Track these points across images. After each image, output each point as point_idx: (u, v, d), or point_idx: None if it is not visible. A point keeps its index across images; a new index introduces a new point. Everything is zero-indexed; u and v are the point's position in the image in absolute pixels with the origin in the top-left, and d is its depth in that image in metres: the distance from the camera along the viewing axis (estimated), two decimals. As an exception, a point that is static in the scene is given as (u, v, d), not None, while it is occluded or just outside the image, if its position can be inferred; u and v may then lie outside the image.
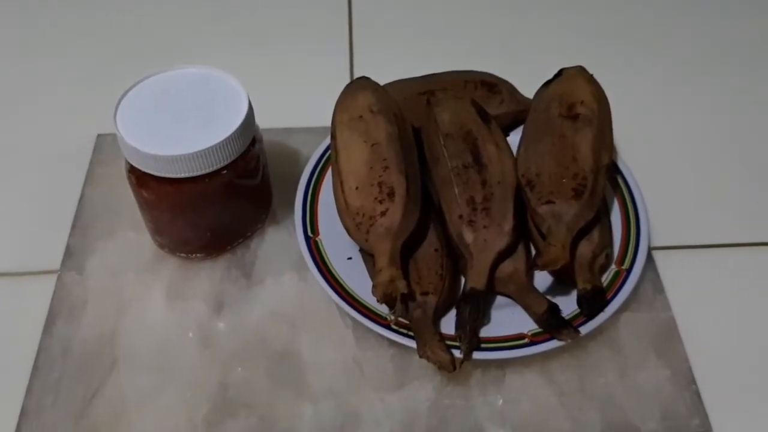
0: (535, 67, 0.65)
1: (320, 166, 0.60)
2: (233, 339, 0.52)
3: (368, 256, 0.52)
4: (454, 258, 0.53)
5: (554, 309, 0.49)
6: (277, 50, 0.75)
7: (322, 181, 0.59)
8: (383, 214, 0.49)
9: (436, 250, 0.52)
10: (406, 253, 0.51)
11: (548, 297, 0.51)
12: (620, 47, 0.75)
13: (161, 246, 0.56)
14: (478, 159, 0.53)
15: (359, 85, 0.56)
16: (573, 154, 0.51)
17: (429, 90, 0.60)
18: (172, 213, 0.52)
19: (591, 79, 0.56)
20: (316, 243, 0.55)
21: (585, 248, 0.51)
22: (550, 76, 0.59)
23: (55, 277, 0.56)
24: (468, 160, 0.52)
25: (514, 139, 0.60)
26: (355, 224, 0.50)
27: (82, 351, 0.52)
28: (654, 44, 0.76)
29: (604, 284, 0.52)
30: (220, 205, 0.52)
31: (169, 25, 0.78)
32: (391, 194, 0.50)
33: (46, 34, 0.76)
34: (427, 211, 0.53)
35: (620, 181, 0.58)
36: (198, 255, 0.56)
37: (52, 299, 0.54)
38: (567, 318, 0.50)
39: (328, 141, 0.60)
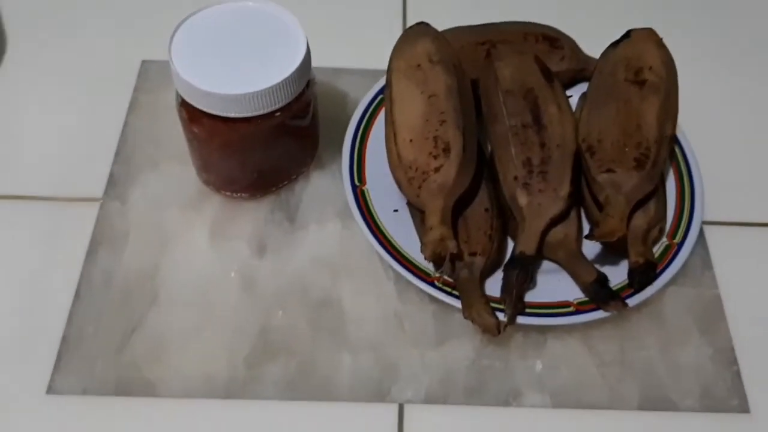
0: (599, 25, 0.62)
1: (370, 111, 0.58)
2: (275, 283, 0.52)
3: (417, 211, 0.51)
4: (504, 219, 0.52)
5: (603, 279, 0.48)
6: None
7: (371, 128, 0.57)
8: (437, 170, 0.48)
9: (486, 209, 0.51)
10: (457, 210, 0.50)
11: (596, 266, 0.50)
12: (688, 9, 0.72)
13: (207, 183, 0.55)
14: (538, 119, 0.51)
15: (419, 31, 0.54)
16: (637, 122, 0.50)
17: (488, 40, 0.58)
18: (222, 151, 0.51)
19: (660, 44, 0.54)
20: (362, 192, 0.54)
21: (640, 220, 0.50)
22: (615, 35, 0.56)
23: (97, 205, 0.55)
24: (527, 120, 0.51)
25: (572, 99, 0.58)
26: (407, 178, 0.49)
27: (123, 283, 0.52)
28: (725, 10, 0.72)
29: (655, 257, 0.51)
30: (269, 146, 0.51)
31: None
32: (446, 150, 0.48)
33: None
34: (480, 168, 0.52)
35: (677, 151, 0.56)
36: (243, 194, 0.55)
37: (95, 228, 0.54)
38: (614, 289, 0.49)
39: (378, 86, 0.59)
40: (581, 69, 0.59)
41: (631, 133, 0.49)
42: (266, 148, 0.51)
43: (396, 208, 0.53)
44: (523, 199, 0.49)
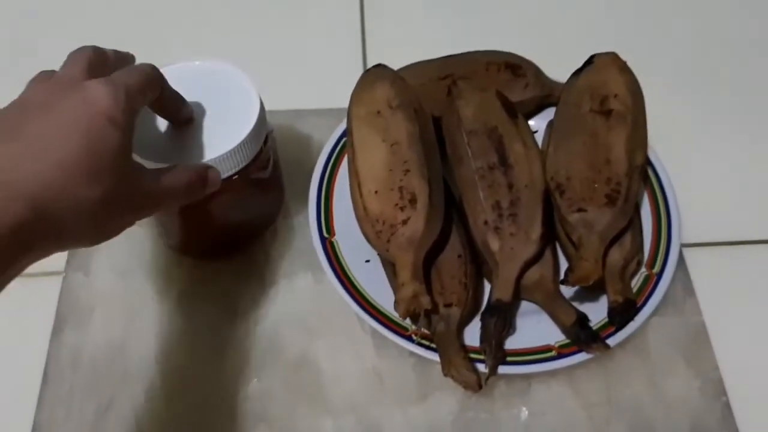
0: (561, 47, 0.61)
1: (334, 157, 0.56)
2: (248, 346, 0.51)
3: (388, 262, 0.49)
4: (478, 263, 0.50)
5: (583, 320, 0.47)
6: (284, 26, 0.69)
7: (336, 174, 0.56)
8: (405, 222, 0.47)
9: (459, 256, 0.50)
10: (428, 260, 0.49)
11: (574, 302, 0.49)
12: (652, 27, 0.70)
13: (171, 247, 0.53)
14: (504, 159, 0.49)
15: (376, 75, 0.52)
16: (606, 156, 0.48)
17: (449, 74, 0.56)
18: (183, 218, 0.49)
19: (624, 68, 0.52)
20: (332, 244, 0.52)
21: (616, 255, 0.49)
22: (577, 56, 0.55)
23: (60, 278, 0.53)
24: (493, 161, 0.49)
25: (539, 123, 0.57)
26: (375, 232, 0.47)
27: (92, 360, 0.50)
28: (690, 27, 0.70)
29: (634, 289, 0.50)
30: (231, 208, 0.49)
31: (174, 4, 0.71)
32: (413, 201, 0.47)
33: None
34: (449, 213, 0.51)
35: (651, 173, 0.55)
36: (210, 257, 0.53)
37: (59, 303, 0.52)
38: (595, 327, 0.48)
39: (340, 129, 0.57)
40: (547, 95, 0.58)
41: (599, 168, 0.48)
42: (228, 210, 0.50)
43: (368, 259, 0.52)
44: (494, 245, 0.48)
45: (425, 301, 0.45)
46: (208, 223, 0.50)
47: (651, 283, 0.50)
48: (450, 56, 0.59)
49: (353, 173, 0.49)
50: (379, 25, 0.68)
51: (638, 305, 0.49)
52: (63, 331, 0.51)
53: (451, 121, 0.52)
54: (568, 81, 0.53)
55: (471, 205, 0.49)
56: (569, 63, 0.55)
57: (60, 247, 0.35)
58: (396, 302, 0.45)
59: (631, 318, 0.48)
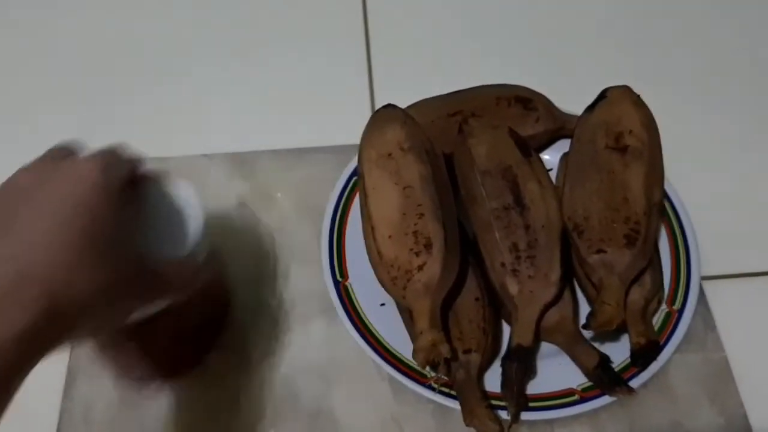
0: (571, 79, 0.60)
1: (344, 198, 0.56)
2: (264, 396, 0.50)
3: (405, 309, 0.48)
4: (496, 305, 0.50)
5: (606, 363, 0.46)
6: (288, 62, 0.68)
7: (348, 214, 0.55)
8: (420, 268, 0.46)
9: (476, 299, 0.49)
10: (446, 304, 0.48)
11: (595, 342, 0.48)
12: (661, 55, 0.68)
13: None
14: (519, 199, 0.49)
15: (386, 116, 0.51)
16: (624, 194, 0.47)
17: (459, 110, 0.56)
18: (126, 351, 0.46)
19: (638, 102, 0.51)
20: (345, 288, 0.51)
21: (636, 295, 0.48)
22: (588, 88, 0.54)
23: None
24: (508, 201, 0.49)
25: (552, 156, 0.56)
26: (390, 278, 0.46)
27: (105, 414, 0.49)
28: (701, 56, 0.68)
29: (655, 327, 0.49)
30: (177, 333, 0.46)
31: (181, 36, 0.70)
32: (428, 246, 0.46)
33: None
34: (464, 254, 0.50)
35: (667, 206, 0.54)
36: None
37: (70, 356, 0.51)
38: (617, 368, 0.47)
39: (350, 168, 0.56)
40: (559, 128, 0.57)
41: (617, 207, 0.47)
42: (176, 335, 0.47)
43: (383, 302, 0.51)
44: (513, 288, 0.47)
45: (445, 350, 0.44)
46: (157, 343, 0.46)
47: (672, 320, 0.49)
48: (458, 92, 0.58)
49: (366, 217, 0.49)
50: (385, 60, 0.67)
51: (661, 343, 0.48)
52: (75, 385, 0.50)
53: (464, 160, 0.51)
54: (581, 117, 0.53)
55: (487, 247, 0.48)
56: (580, 94, 0.54)
57: (69, 339, 0.34)
58: (414, 351, 0.44)
59: (653, 359, 0.47)
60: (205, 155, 0.60)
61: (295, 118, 0.63)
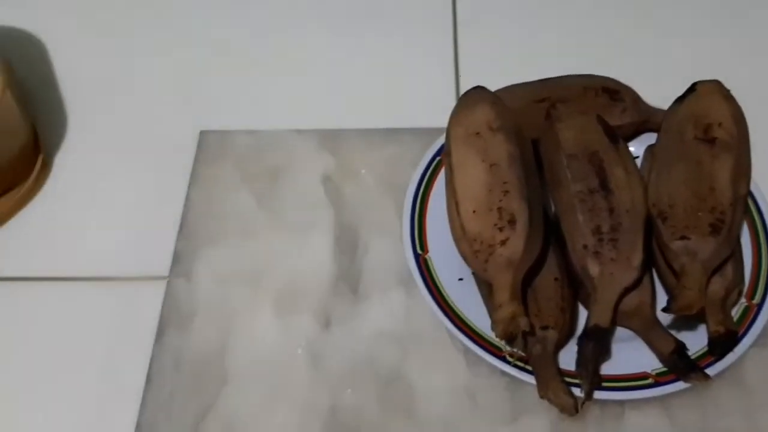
0: (660, 72, 0.60)
1: (428, 176, 0.57)
2: (342, 358, 0.52)
3: (484, 282, 0.50)
4: (575, 286, 0.50)
5: (682, 349, 0.47)
6: (377, 46, 0.70)
7: (430, 192, 0.56)
8: (503, 243, 0.47)
9: (556, 279, 0.50)
10: (525, 282, 0.49)
11: (671, 330, 0.48)
12: (751, 53, 0.68)
13: None
14: (604, 183, 0.49)
15: (476, 96, 0.53)
16: (710, 184, 0.48)
17: (546, 97, 0.57)
18: None
19: (728, 96, 0.52)
20: (425, 261, 0.53)
21: (717, 285, 0.48)
22: (676, 82, 0.54)
23: (164, 283, 0.55)
24: (594, 185, 0.49)
25: (637, 149, 0.57)
26: (472, 251, 0.48)
27: (193, 365, 0.52)
28: None
29: (734, 319, 0.49)
30: None
31: (276, 15, 0.73)
32: (512, 222, 0.47)
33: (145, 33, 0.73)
34: (546, 235, 0.51)
35: (750, 202, 0.54)
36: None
37: (162, 307, 0.54)
38: (693, 357, 0.48)
39: (434, 148, 0.58)
40: (644, 121, 0.57)
41: (704, 197, 0.47)
42: None
43: (461, 277, 0.52)
44: (594, 269, 0.48)
45: (523, 323, 0.45)
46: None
47: (751, 313, 0.50)
48: (546, 79, 0.59)
49: (451, 192, 0.50)
50: (472, 46, 0.69)
51: (738, 336, 0.48)
52: (165, 335, 0.53)
53: (551, 144, 0.52)
54: (670, 108, 0.53)
55: (570, 229, 0.49)
56: (668, 89, 0.55)
57: None
58: (493, 323, 0.46)
59: (731, 349, 0.47)
60: (295, 130, 0.63)
61: (382, 99, 0.65)
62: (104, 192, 0.61)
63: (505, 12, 0.72)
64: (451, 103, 0.62)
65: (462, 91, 0.64)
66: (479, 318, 0.50)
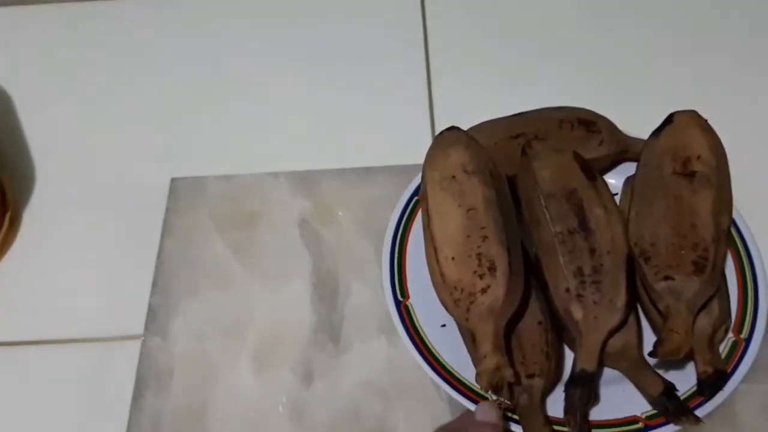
0: (635, 100, 0.60)
1: (405, 219, 0.56)
2: (325, 413, 0.50)
3: (466, 330, 0.49)
4: (559, 329, 0.49)
5: (671, 391, 0.46)
6: (350, 86, 0.69)
7: (408, 234, 0.55)
8: (484, 291, 0.46)
9: (539, 322, 0.49)
10: (508, 328, 0.48)
11: (659, 369, 0.48)
12: (728, 80, 0.67)
13: None
14: (584, 223, 0.48)
15: (450, 138, 0.52)
16: (691, 220, 0.47)
17: (521, 132, 0.56)
18: None
19: (706, 127, 0.51)
20: (406, 308, 0.52)
21: (704, 322, 0.47)
22: (653, 110, 0.53)
23: (139, 342, 0.54)
24: (573, 225, 0.48)
25: (616, 180, 0.56)
26: (453, 300, 0.47)
27: (172, 426, 0.50)
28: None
29: (722, 356, 0.48)
30: None
31: (246, 56, 0.72)
32: (492, 268, 0.46)
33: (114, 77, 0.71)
34: (527, 279, 0.50)
35: (734, 232, 0.53)
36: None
37: (138, 367, 0.53)
38: (683, 397, 0.47)
39: (411, 188, 0.57)
40: (622, 151, 0.56)
41: (685, 234, 0.47)
42: None
43: (444, 323, 0.51)
44: (578, 313, 0.47)
45: (508, 374, 0.44)
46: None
47: (739, 349, 0.49)
48: (520, 114, 0.58)
49: (429, 239, 0.49)
50: (446, 82, 0.68)
51: (727, 373, 0.47)
52: (143, 396, 0.51)
53: (528, 183, 0.51)
54: (647, 141, 0.52)
55: (551, 272, 0.48)
56: (644, 117, 0.54)
57: None
58: (478, 375, 0.44)
59: (720, 388, 0.46)
60: (269, 173, 0.62)
61: (357, 139, 0.64)
62: (75, 248, 0.60)
63: (477, 46, 0.71)
64: (427, 139, 0.62)
65: (437, 126, 0.64)
66: (463, 366, 0.49)
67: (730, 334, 0.49)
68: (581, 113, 0.57)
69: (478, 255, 0.47)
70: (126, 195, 0.62)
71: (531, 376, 0.47)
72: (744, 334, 0.49)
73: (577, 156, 0.52)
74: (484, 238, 0.47)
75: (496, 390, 0.46)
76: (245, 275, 0.57)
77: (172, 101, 0.68)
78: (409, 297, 0.52)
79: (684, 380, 0.48)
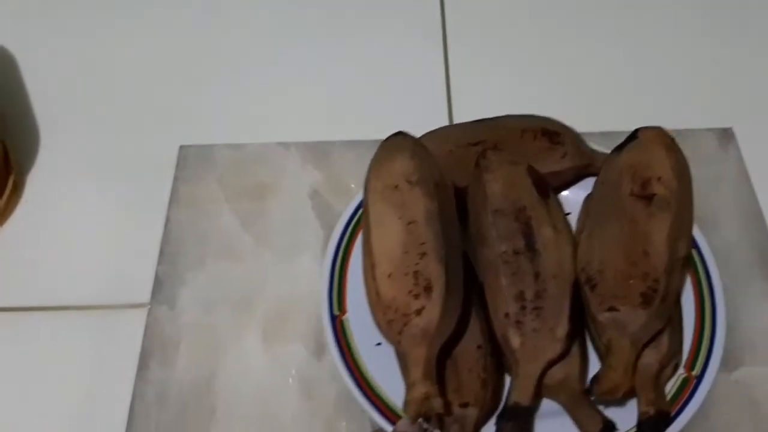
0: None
1: (351, 227, 0.53)
2: (335, 386, 0.49)
3: (400, 353, 0.46)
4: (499, 355, 0.46)
5: (610, 429, 0.43)
6: (364, 56, 0.67)
7: (354, 243, 0.52)
8: (419, 312, 0.43)
9: (479, 346, 0.46)
10: (444, 351, 0.45)
11: (602, 404, 0.45)
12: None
13: None
14: (531, 244, 0.45)
15: (396, 145, 0.49)
16: (644, 247, 0.44)
17: (481, 140, 0.53)
18: None
19: (671, 146, 0.48)
20: (342, 323, 0.49)
21: (651, 358, 0.44)
22: (624, 124, 0.50)
23: (145, 311, 0.52)
24: (519, 245, 0.45)
25: (576, 197, 0.52)
26: (386, 320, 0.44)
27: (178, 398, 0.49)
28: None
29: (670, 393, 0.45)
30: None
31: (259, 25, 0.70)
32: (428, 288, 0.43)
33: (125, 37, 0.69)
34: (469, 297, 0.47)
35: (696, 256, 0.50)
36: None
37: (144, 337, 0.51)
38: (624, 437, 0.44)
39: (359, 197, 0.54)
40: (586, 165, 0.53)
41: (636, 261, 0.43)
42: None
43: (379, 341, 0.48)
44: (515, 341, 0.44)
45: (437, 405, 0.41)
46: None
47: (689, 386, 0.46)
48: (482, 120, 0.55)
49: (367, 253, 0.46)
50: (462, 51, 0.66)
51: (674, 413, 0.44)
52: (149, 367, 0.50)
53: (478, 196, 0.48)
54: (608, 157, 0.49)
55: (492, 294, 0.45)
56: (616, 130, 0.52)
57: None
58: (405, 403, 0.42)
59: (663, 430, 0.43)
60: (280, 143, 0.60)
61: (370, 110, 0.63)
62: (80, 214, 0.58)
63: (497, 18, 0.69)
64: (443, 111, 0.61)
65: (453, 98, 0.63)
66: (395, 388, 0.46)
67: (681, 370, 0.46)
68: (546, 123, 0.54)
69: (415, 273, 0.44)
70: (133, 162, 0.61)
71: (465, 405, 0.44)
72: (696, 372, 0.46)
73: (531, 170, 0.48)
74: (423, 254, 0.44)
75: (426, 418, 0.43)
76: (255, 246, 0.55)
77: (184, 68, 0.67)
78: (346, 311, 0.49)
79: (629, 418, 0.45)
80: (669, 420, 0.43)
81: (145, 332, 0.51)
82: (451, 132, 0.54)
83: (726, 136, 0.59)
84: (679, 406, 0.45)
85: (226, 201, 0.57)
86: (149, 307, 0.52)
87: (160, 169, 0.59)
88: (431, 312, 0.43)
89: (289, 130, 0.61)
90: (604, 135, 0.55)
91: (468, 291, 0.47)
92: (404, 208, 0.46)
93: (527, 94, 0.63)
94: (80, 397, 0.49)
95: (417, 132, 0.54)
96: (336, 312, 0.49)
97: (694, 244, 0.50)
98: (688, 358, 0.47)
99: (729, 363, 0.48)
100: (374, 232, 0.46)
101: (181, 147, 0.60)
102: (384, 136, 0.55)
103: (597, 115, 0.61)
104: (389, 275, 0.44)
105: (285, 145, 0.60)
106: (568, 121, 0.54)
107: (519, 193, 0.47)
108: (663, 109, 0.59)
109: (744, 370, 0.49)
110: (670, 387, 0.46)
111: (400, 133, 0.50)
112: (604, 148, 0.52)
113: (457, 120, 0.61)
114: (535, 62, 0.65)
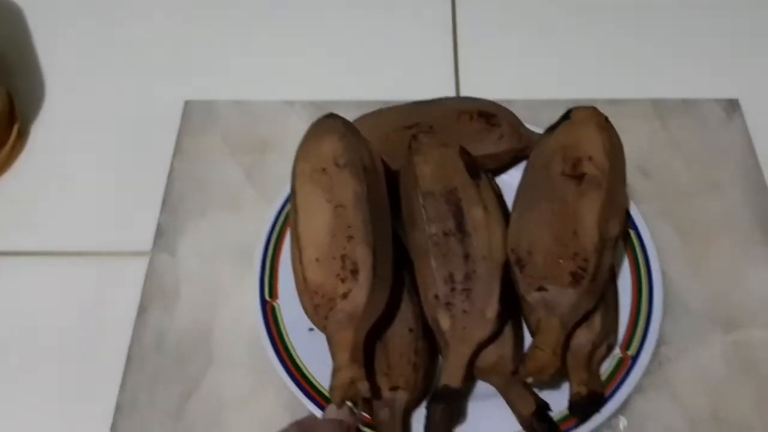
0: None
1: (285, 212, 0.52)
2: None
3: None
4: (431, 338, 0.46)
5: (543, 411, 0.42)
6: (371, 14, 0.67)
7: (288, 227, 0.51)
8: (345, 296, 0.42)
9: (410, 330, 0.45)
10: (374, 334, 0.44)
11: (537, 386, 0.44)
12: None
13: None
14: (461, 225, 0.45)
15: (325, 127, 0.48)
16: (574, 228, 0.43)
17: (416, 123, 0.52)
18: None
19: (604, 126, 0.47)
20: (273, 308, 0.48)
21: (583, 337, 0.43)
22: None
23: (146, 258, 0.52)
24: (450, 227, 0.45)
25: (514, 180, 0.51)
26: (313, 305, 0.43)
27: (176, 344, 0.49)
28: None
29: (605, 373, 0.44)
30: None
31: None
32: (354, 272, 0.42)
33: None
34: (400, 280, 0.46)
35: (633, 236, 0.49)
36: None
37: (144, 284, 0.51)
38: (557, 418, 0.43)
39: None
40: (524, 148, 0.52)
41: (566, 242, 0.43)
42: None
43: (312, 326, 0.47)
44: (445, 322, 0.43)
45: (364, 389, 0.40)
46: None
47: (624, 367, 0.45)
48: (419, 102, 0.54)
49: (294, 238, 0.45)
50: (470, 12, 0.66)
51: (608, 394, 0.44)
52: (148, 312, 0.50)
53: (408, 179, 0.47)
54: (540, 137, 0.48)
55: (422, 276, 0.45)
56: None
57: None
58: (331, 389, 0.41)
59: (596, 411, 0.43)
60: (285, 101, 0.60)
61: (378, 70, 0.63)
62: (83, 163, 0.58)
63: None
64: (449, 73, 0.61)
65: (460, 61, 0.63)
66: (326, 375, 0.45)
67: (617, 350, 0.46)
68: (482, 105, 0.53)
69: (342, 257, 0.43)
70: (138, 114, 0.61)
71: (395, 388, 0.43)
72: (632, 351, 0.45)
73: (463, 152, 0.48)
74: (350, 238, 0.43)
75: (353, 404, 0.42)
76: (257, 200, 0.55)
77: (191, 22, 0.67)
78: (278, 297, 0.48)
79: (562, 400, 0.44)
80: (602, 400, 0.43)
81: (145, 279, 0.51)
82: (386, 115, 0.53)
83: (732, 106, 0.60)
84: (614, 387, 0.44)
85: (229, 154, 0.58)
86: (150, 255, 0.52)
87: (165, 122, 0.59)
88: (357, 295, 0.42)
89: (295, 88, 0.62)
90: (611, 102, 0.55)
91: (399, 274, 0.46)
92: (332, 192, 0.45)
93: (536, 61, 0.63)
94: (80, 341, 0.49)
95: (421, 95, 0.55)
96: (267, 297, 0.48)
97: (631, 224, 0.50)
98: (624, 339, 0.46)
99: (728, 325, 0.49)
100: (302, 217, 0.45)
101: (187, 102, 0.60)
102: (390, 98, 0.56)
103: (606, 85, 0.61)
104: (316, 260, 0.43)
105: (290, 103, 0.60)
106: (575, 92, 0.55)
107: (450, 175, 0.46)
108: (671, 81, 0.60)
109: (743, 332, 0.49)
110: (606, 367, 0.45)
111: (330, 115, 0.49)
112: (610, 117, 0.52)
113: (464, 79, 0.62)
114: (544, 31, 0.65)
